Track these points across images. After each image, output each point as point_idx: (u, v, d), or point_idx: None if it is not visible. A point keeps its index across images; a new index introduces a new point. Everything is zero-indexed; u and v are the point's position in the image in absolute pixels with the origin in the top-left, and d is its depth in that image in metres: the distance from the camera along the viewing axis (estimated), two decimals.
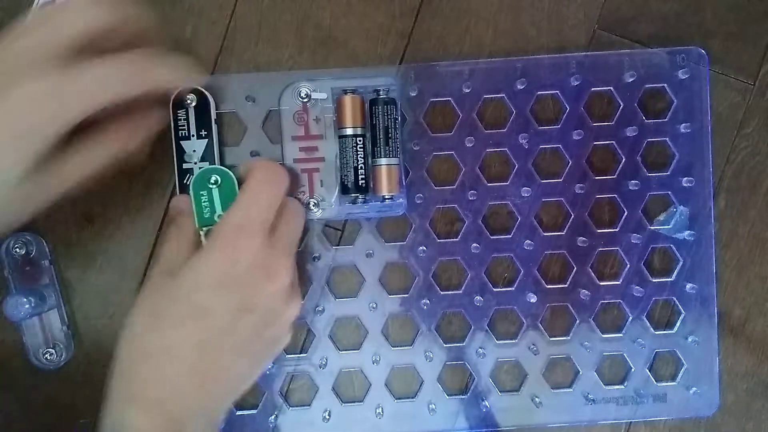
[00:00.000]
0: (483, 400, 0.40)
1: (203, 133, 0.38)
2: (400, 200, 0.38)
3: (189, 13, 0.39)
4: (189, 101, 0.37)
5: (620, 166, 0.39)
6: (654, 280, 0.40)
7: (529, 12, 0.40)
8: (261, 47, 0.40)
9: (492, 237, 0.40)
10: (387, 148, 0.37)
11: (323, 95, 0.38)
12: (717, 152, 0.40)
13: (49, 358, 0.38)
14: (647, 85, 0.39)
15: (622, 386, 0.40)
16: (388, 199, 0.38)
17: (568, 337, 0.40)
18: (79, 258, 0.40)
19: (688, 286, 0.40)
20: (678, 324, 0.40)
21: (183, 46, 0.39)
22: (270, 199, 0.32)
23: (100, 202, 0.39)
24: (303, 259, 0.39)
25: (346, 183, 0.37)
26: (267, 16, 0.40)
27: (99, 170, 0.32)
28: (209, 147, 0.38)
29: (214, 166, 0.37)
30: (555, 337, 0.40)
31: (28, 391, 0.40)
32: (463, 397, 0.40)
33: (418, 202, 0.39)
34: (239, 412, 0.39)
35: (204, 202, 0.35)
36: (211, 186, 0.35)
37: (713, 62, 0.40)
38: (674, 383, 0.40)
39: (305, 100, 0.38)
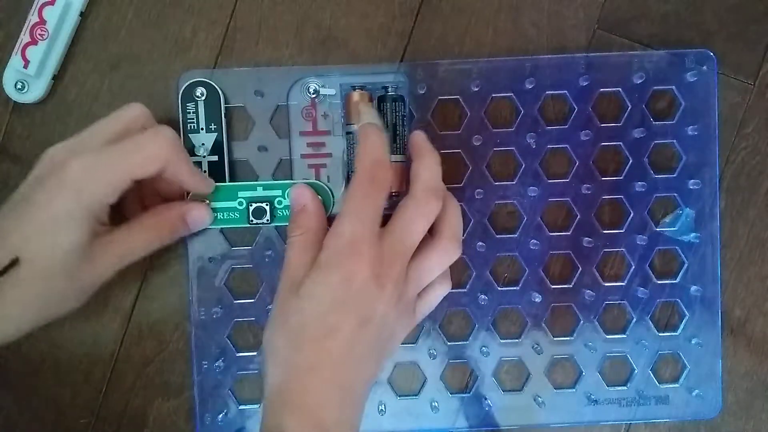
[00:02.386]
0: (485, 399, 0.40)
1: (212, 126, 0.38)
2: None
3: (189, 13, 0.40)
4: (199, 95, 0.37)
5: (627, 167, 0.39)
6: (658, 282, 0.40)
7: (529, 12, 0.40)
8: (261, 47, 0.40)
9: (497, 236, 0.40)
10: (394, 145, 0.37)
11: (332, 91, 0.38)
12: (717, 152, 0.40)
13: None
14: (655, 87, 0.39)
15: (625, 387, 0.40)
16: (394, 196, 0.38)
17: (572, 338, 0.40)
18: None
19: (693, 288, 0.40)
20: (682, 326, 0.40)
21: (183, 46, 0.39)
22: (377, 207, 0.32)
23: None
24: None
25: None
26: (267, 16, 0.40)
27: (138, 256, 0.35)
28: (218, 141, 0.38)
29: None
30: (558, 337, 0.40)
31: (28, 391, 0.40)
32: (466, 395, 0.40)
33: None
34: (241, 407, 0.39)
35: None
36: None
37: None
38: (677, 385, 0.40)
39: (314, 95, 0.38)
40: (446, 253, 0.34)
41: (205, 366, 0.39)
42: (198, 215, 0.36)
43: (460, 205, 0.39)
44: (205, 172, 0.38)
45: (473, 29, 0.40)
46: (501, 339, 0.40)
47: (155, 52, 0.39)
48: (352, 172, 0.37)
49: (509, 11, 0.40)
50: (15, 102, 0.39)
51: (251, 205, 0.37)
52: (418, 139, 0.36)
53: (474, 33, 0.40)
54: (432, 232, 0.34)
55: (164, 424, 0.40)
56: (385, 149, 0.33)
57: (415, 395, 0.40)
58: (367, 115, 0.35)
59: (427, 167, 0.34)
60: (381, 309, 0.32)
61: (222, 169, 0.38)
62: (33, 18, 0.38)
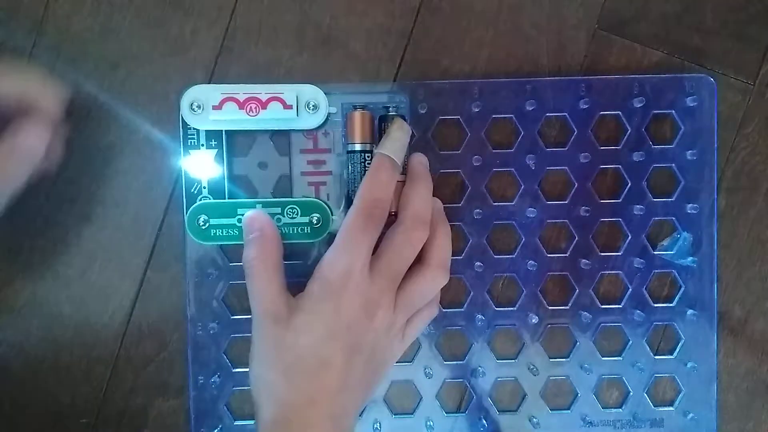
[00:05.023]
0: (481, 419, 0.40)
1: (213, 142, 0.38)
2: None
3: (189, 13, 0.39)
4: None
5: (626, 190, 0.39)
6: (655, 305, 0.40)
7: (529, 12, 0.40)
8: (261, 47, 0.40)
9: (495, 256, 0.40)
10: None
11: (333, 109, 0.38)
12: (717, 152, 0.40)
13: None
14: (655, 111, 0.39)
15: (620, 410, 0.40)
16: (394, 214, 0.38)
17: (568, 359, 0.40)
18: (79, 258, 0.40)
19: (689, 312, 0.40)
20: (677, 350, 0.40)
21: (183, 46, 0.39)
22: (371, 240, 0.33)
23: (100, 202, 0.40)
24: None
25: (352, 197, 0.37)
26: (267, 16, 0.40)
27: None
28: (218, 157, 0.38)
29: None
30: (554, 358, 0.40)
31: (28, 391, 0.40)
32: (461, 414, 0.40)
33: None
34: (237, 422, 0.39)
35: None
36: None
37: (713, 62, 0.40)
38: (671, 408, 0.40)
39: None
40: (434, 280, 0.34)
41: (201, 381, 0.39)
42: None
43: (459, 224, 0.39)
44: (204, 188, 0.38)
45: (473, 29, 0.40)
46: (497, 359, 0.40)
47: (155, 52, 0.39)
48: (351, 191, 0.37)
49: (509, 11, 0.40)
50: None
51: None
52: (416, 162, 0.36)
53: (474, 33, 0.40)
54: (420, 258, 0.34)
55: (164, 424, 0.40)
56: (390, 188, 0.34)
57: (411, 414, 0.40)
58: (391, 144, 0.34)
59: (419, 194, 0.34)
60: (371, 338, 0.32)
61: (221, 185, 0.38)
62: None
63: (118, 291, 0.40)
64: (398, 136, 0.35)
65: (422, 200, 0.34)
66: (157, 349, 0.40)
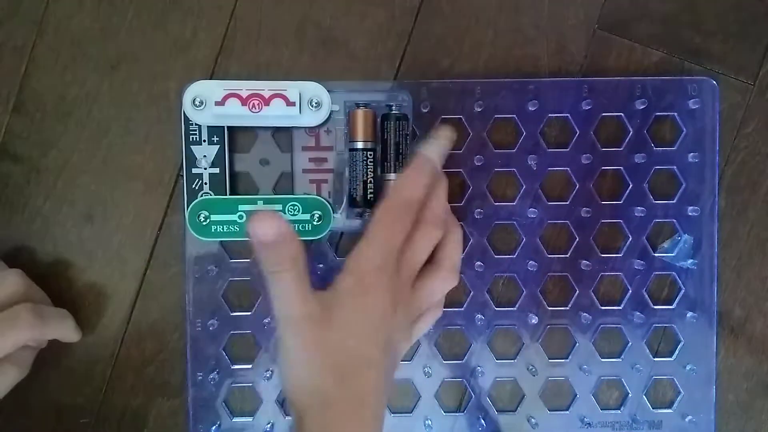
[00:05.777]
0: (479, 418, 0.40)
1: (215, 138, 0.38)
2: None
3: (189, 13, 0.39)
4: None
5: (627, 192, 0.40)
6: (655, 307, 0.40)
7: (529, 12, 0.40)
8: (261, 47, 0.40)
9: (496, 256, 0.40)
10: (397, 163, 0.37)
11: (336, 107, 0.38)
12: (717, 153, 0.40)
13: None
14: (657, 113, 0.39)
15: (619, 411, 0.40)
16: None
17: (567, 360, 0.40)
18: (79, 258, 0.40)
19: (689, 314, 0.40)
20: (677, 352, 0.40)
21: (183, 46, 0.39)
22: (404, 236, 0.32)
23: (100, 202, 0.40)
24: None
25: (354, 196, 0.38)
26: (267, 16, 0.40)
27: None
28: (220, 153, 0.38)
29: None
30: (554, 358, 0.40)
31: (28, 392, 0.40)
32: (460, 414, 0.40)
33: None
34: (235, 419, 0.39)
35: None
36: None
37: (713, 62, 0.40)
38: (670, 411, 0.40)
39: None
40: (444, 281, 0.34)
41: (200, 377, 0.39)
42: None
43: (460, 224, 0.39)
44: (205, 184, 0.38)
45: (473, 29, 0.40)
46: (496, 359, 0.40)
47: (155, 52, 0.39)
48: (353, 188, 0.37)
49: (509, 11, 0.40)
50: (15, 102, 0.39)
51: None
52: None
53: (474, 33, 0.40)
54: (432, 259, 0.34)
55: (164, 424, 0.40)
56: (425, 190, 0.33)
57: (409, 413, 0.40)
58: (437, 148, 0.34)
59: (435, 194, 0.34)
60: (395, 333, 0.32)
61: (223, 181, 0.38)
62: None
63: (118, 291, 0.40)
64: (445, 143, 0.35)
65: (439, 199, 0.34)
66: (156, 348, 0.40)
